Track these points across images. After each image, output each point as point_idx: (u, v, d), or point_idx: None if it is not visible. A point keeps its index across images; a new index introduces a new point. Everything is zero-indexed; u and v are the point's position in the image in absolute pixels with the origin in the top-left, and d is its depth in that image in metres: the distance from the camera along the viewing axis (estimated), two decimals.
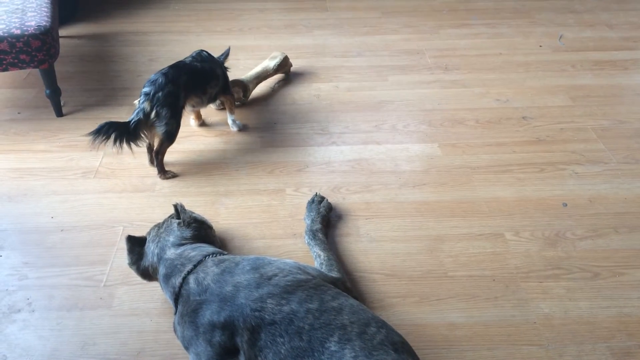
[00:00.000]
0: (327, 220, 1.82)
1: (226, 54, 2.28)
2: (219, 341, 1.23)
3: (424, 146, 2.22)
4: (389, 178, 2.04)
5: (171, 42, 3.07)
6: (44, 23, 2.20)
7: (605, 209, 1.89)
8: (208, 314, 1.26)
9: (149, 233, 1.59)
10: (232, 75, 2.29)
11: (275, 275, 1.29)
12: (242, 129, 2.31)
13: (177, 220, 1.55)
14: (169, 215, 1.64)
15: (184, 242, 1.50)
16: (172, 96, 1.92)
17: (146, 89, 1.92)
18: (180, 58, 2.15)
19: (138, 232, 1.66)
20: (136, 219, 1.85)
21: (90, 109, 2.46)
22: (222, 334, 1.23)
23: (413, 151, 2.19)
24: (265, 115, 2.43)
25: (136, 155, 2.03)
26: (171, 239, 1.51)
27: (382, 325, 1.21)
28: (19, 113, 2.43)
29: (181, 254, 1.44)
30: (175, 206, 1.56)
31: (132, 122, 1.88)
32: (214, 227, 1.69)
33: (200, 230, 1.56)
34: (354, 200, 1.93)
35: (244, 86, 2.43)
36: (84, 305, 1.55)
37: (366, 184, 2.01)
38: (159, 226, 1.59)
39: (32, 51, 2.16)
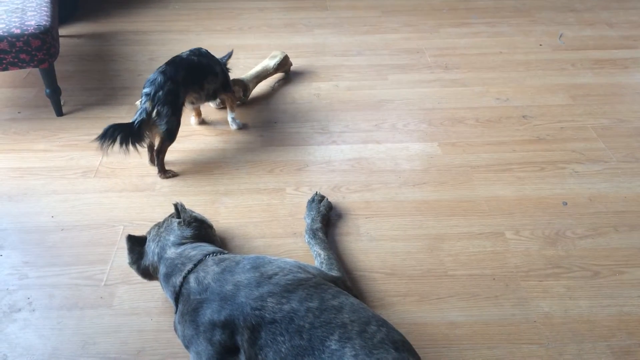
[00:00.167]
0: (327, 219, 1.82)
1: (229, 56, 2.29)
2: (219, 340, 1.23)
3: (424, 145, 2.22)
4: (389, 177, 2.04)
5: (171, 41, 3.07)
6: (44, 22, 2.20)
7: (606, 208, 1.89)
8: (208, 313, 1.27)
9: (149, 232, 1.59)
10: (232, 74, 2.29)
11: (276, 274, 1.30)
12: (242, 127, 2.31)
13: (178, 220, 1.55)
14: (169, 214, 1.64)
15: (184, 241, 1.50)
16: (172, 94, 1.93)
17: (146, 90, 1.93)
18: None
19: (138, 232, 1.66)
20: (136, 218, 1.85)
21: (90, 108, 2.46)
22: (222, 332, 1.24)
23: (413, 150, 2.19)
24: (266, 114, 2.43)
25: (136, 155, 2.03)
26: (171, 238, 1.51)
27: (383, 323, 1.21)
28: (19, 112, 2.43)
29: (181, 253, 1.45)
30: (176, 205, 1.56)
31: (135, 122, 1.88)
32: (214, 226, 1.69)
33: (200, 230, 1.57)
34: (354, 199, 1.94)
35: (244, 85, 2.43)
36: (85, 305, 1.55)
37: (366, 183, 2.01)
38: (159, 225, 1.59)
39: (32, 50, 2.16)
